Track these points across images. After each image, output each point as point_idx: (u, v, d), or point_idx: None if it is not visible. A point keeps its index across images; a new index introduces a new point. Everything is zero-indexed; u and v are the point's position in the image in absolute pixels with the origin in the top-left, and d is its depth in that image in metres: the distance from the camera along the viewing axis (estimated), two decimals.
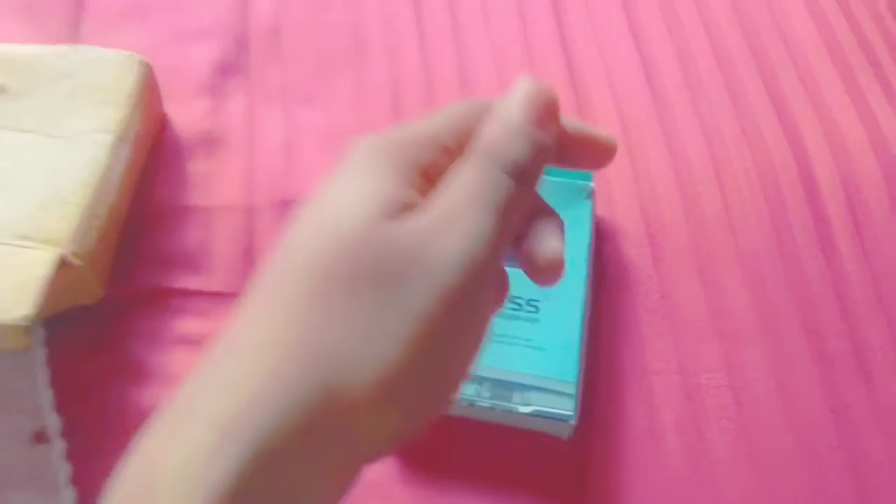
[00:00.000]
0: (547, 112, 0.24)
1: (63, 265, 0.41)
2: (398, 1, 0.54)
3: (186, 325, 0.44)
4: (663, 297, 0.43)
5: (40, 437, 0.41)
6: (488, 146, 0.23)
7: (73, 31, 0.54)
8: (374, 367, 0.20)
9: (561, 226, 0.26)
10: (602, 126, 0.48)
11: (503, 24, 0.53)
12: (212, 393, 0.20)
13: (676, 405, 0.41)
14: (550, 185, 0.43)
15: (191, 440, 0.19)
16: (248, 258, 0.46)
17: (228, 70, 0.52)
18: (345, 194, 0.22)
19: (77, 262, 0.41)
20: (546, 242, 0.25)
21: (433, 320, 0.21)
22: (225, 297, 0.45)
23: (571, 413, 0.39)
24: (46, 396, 0.42)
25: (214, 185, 0.48)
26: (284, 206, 0.47)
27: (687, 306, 0.43)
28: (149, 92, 0.48)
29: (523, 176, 0.23)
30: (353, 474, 0.21)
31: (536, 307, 0.42)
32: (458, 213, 0.22)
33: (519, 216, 0.24)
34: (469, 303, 0.22)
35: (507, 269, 0.42)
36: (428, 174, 0.23)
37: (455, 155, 0.24)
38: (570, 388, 0.40)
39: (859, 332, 0.42)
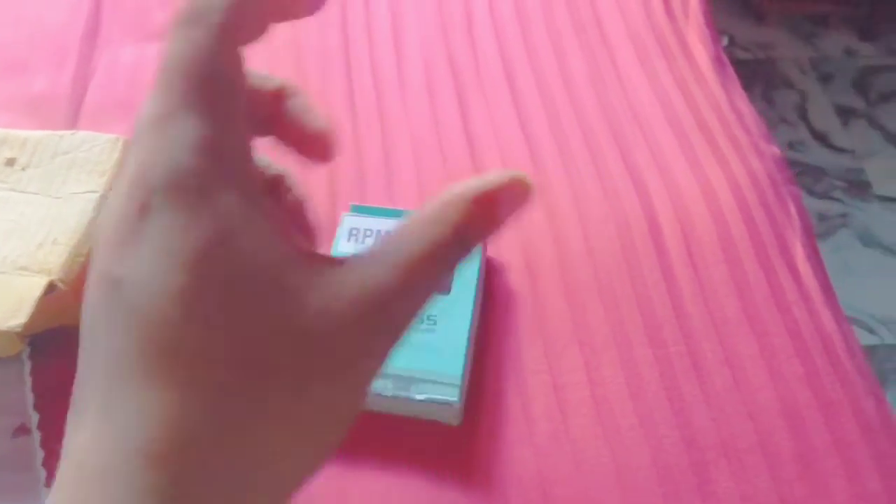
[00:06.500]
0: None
1: (51, 288, 0.51)
2: (336, 99, 0.67)
3: None
4: (537, 315, 0.54)
5: (22, 430, 0.50)
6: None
7: (71, 125, 0.66)
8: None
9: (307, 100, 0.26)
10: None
11: (420, 115, 0.66)
12: None
13: (546, 398, 0.50)
14: None
15: None
16: None
17: None
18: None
19: (63, 286, 0.51)
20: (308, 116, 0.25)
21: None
22: None
23: (456, 399, 0.48)
24: (29, 398, 0.51)
25: None
26: None
27: (555, 322, 0.53)
28: None
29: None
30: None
31: (434, 321, 0.52)
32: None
33: None
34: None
35: None
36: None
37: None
38: (456, 381, 0.49)
39: (693, 338, 0.52)
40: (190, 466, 0.17)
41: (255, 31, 0.22)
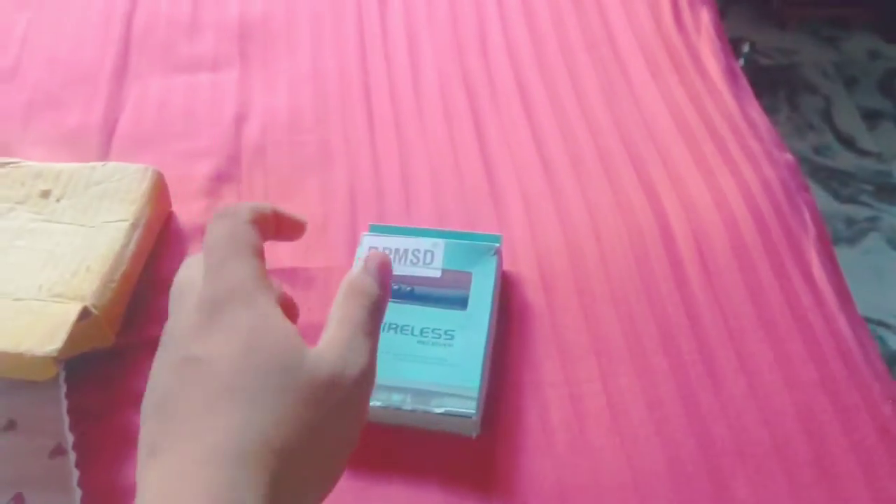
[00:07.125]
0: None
1: (84, 314, 0.53)
2: (356, 121, 0.69)
3: None
4: (553, 328, 0.55)
5: (58, 451, 0.52)
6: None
7: (103, 157, 0.69)
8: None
9: None
10: (509, 205, 0.62)
11: (436, 135, 0.68)
12: None
13: (563, 408, 0.51)
14: (465, 246, 0.56)
15: None
16: None
17: (223, 178, 0.66)
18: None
19: (95, 311, 0.54)
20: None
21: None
22: None
23: (473, 412, 0.49)
24: (65, 420, 0.53)
25: None
26: None
27: (571, 334, 0.54)
28: (158, 192, 0.62)
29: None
30: None
31: (452, 336, 0.53)
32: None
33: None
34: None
35: (430, 307, 0.54)
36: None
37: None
38: (474, 393, 0.50)
39: (708, 346, 0.53)
40: (286, 455, 0.28)
41: (265, 234, 0.35)
